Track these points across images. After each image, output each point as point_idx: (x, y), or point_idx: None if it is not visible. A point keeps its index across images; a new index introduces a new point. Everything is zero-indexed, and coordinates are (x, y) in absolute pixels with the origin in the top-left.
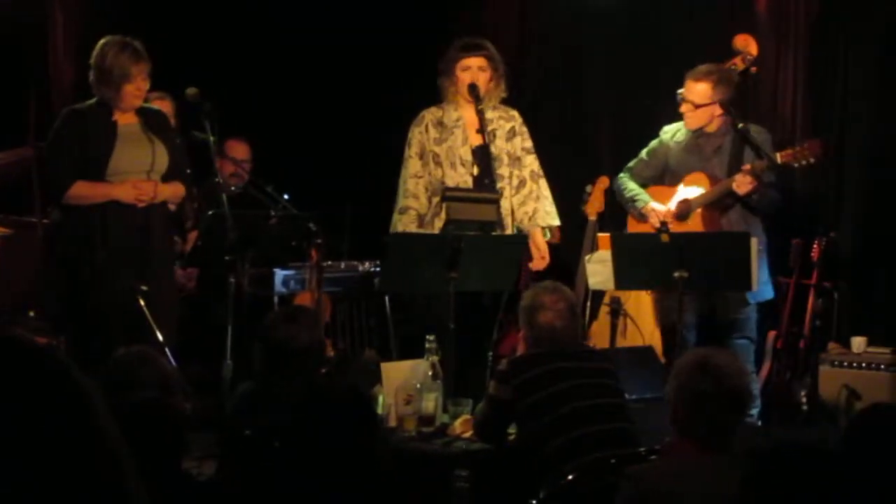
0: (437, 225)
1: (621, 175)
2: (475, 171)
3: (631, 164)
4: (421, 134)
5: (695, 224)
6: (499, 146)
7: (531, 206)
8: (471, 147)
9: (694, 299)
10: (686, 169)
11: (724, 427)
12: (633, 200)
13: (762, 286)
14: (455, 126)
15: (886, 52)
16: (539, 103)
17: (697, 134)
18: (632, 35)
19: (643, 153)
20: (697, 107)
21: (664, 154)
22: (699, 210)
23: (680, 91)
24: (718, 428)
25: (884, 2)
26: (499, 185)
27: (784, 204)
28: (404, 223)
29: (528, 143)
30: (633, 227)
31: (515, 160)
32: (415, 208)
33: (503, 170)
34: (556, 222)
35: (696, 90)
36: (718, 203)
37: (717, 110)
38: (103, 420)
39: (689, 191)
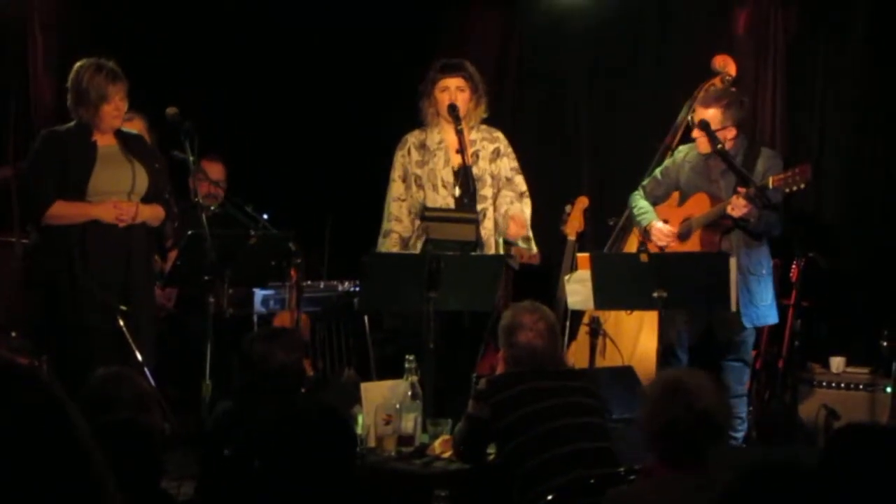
0: (420, 247)
1: (635, 192)
2: (457, 192)
3: (644, 181)
4: (403, 157)
5: (693, 244)
6: (482, 167)
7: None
8: (452, 168)
9: (691, 320)
10: (693, 189)
11: (698, 448)
12: (638, 217)
13: (766, 309)
14: (437, 148)
15: (865, 72)
16: (518, 124)
17: (707, 155)
18: (611, 57)
19: (657, 172)
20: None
21: (676, 173)
22: (699, 231)
23: (690, 116)
24: (693, 449)
25: (861, 20)
26: (480, 206)
27: (785, 226)
28: (387, 246)
29: (515, 164)
30: (631, 244)
31: (505, 181)
32: (397, 231)
33: (486, 191)
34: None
35: (707, 115)
36: (718, 225)
37: (730, 133)
38: (84, 438)
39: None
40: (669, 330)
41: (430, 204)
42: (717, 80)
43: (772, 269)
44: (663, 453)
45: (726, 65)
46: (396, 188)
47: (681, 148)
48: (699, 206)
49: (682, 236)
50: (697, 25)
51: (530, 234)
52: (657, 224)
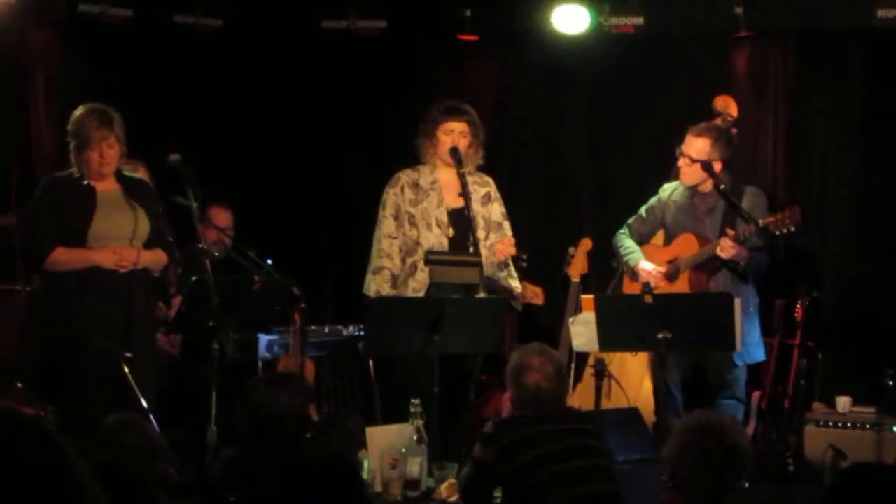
0: (412, 285)
1: (620, 231)
2: (450, 232)
3: (630, 220)
4: (396, 195)
5: (682, 285)
6: (474, 210)
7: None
8: (447, 209)
9: (682, 359)
10: (679, 228)
11: (725, 486)
12: (625, 258)
13: (754, 347)
14: (431, 188)
15: (866, 112)
16: (519, 165)
17: (692, 193)
18: (612, 98)
19: (642, 210)
20: (694, 162)
21: (661, 212)
22: (687, 271)
23: (680, 146)
24: (720, 487)
25: (860, 60)
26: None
27: (772, 265)
28: (378, 283)
29: (504, 210)
30: (627, 285)
31: (495, 225)
32: (389, 268)
33: (478, 233)
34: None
35: (696, 145)
36: (706, 265)
37: (716, 167)
38: (88, 487)
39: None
40: (667, 369)
41: (423, 243)
42: (718, 121)
43: (758, 307)
44: (686, 490)
45: (727, 105)
46: (388, 225)
47: (665, 186)
48: (686, 246)
49: (670, 277)
50: (698, 67)
51: (514, 272)
52: (645, 264)
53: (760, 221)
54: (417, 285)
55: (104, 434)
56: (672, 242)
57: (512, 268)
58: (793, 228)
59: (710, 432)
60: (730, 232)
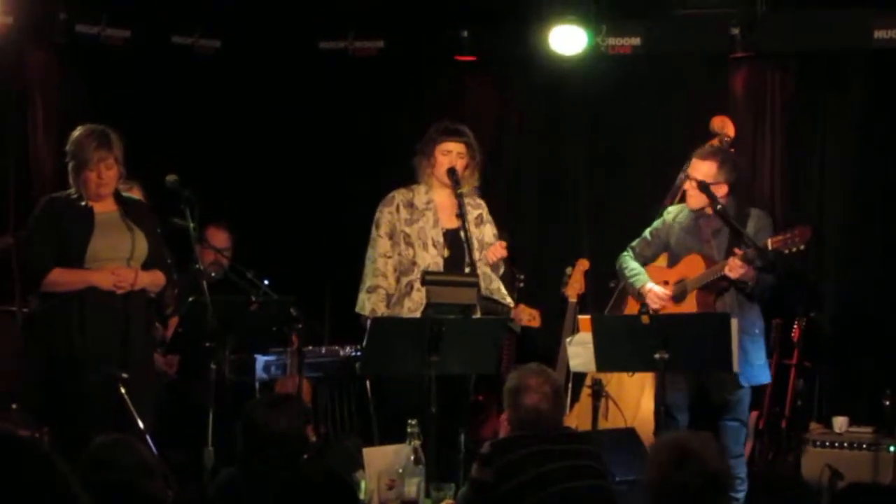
0: (407, 305)
1: (624, 254)
2: (446, 253)
3: (634, 243)
4: (391, 214)
5: (690, 306)
6: (470, 231)
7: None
8: (442, 229)
9: (684, 381)
10: (685, 250)
11: None
12: (631, 280)
13: (757, 369)
14: (426, 208)
15: (863, 132)
16: (517, 184)
17: (698, 215)
18: (610, 118)
19: (646, 233)
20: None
21: (666, 234)
22: (694, 292)
23: (685, 169)
24: None
25: (860, 82)
26: (467, 269)
27: (779, 286)
28: (373, 302)
29: (496, 231)
30: (632, 306)
31: (488, 246)
32: (384, 287)
33: (475, 254)
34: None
35: (702, 169)
36: (714, 286)
37: (721, 190)
38: None
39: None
40: (668, 391)
41: (419, 262)
42: (715, 141)
43: (763, 329)
44: None
45: (724, 126)
46: (383, 244)
47: (670, 209)
48: (693, 267)
49: (677, 298)
50: (695, 87)
51: (503, 290)
52: (651, 286)
53: (769, 242)
54: (413, 305)
55: (97, 454)
56: (678, 263)
57: (501, 284)
58: (802, 247)
59: (687, 464)
60: (737, 252)
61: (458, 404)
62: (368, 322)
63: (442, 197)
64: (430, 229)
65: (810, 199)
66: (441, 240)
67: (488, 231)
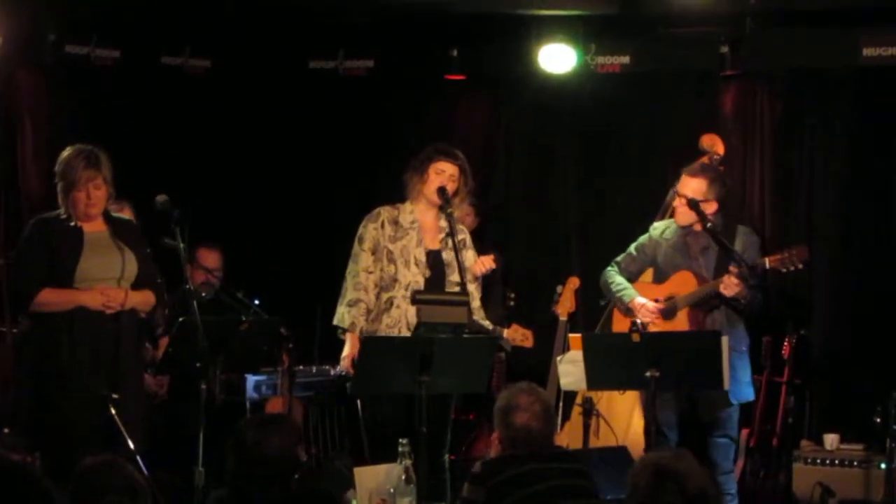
0: (385, 321)
1: (609, 268)
2: (427, 273)
3: (619, 258)
4: (376, 230)
5: (680, 323)
6: (450, 254)
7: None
8: (425, 249)
9: (674, 398)
10: (673, 267)
11: None
12: (618, 294)
13: (744, 386)
14: (410, 227)
15: (853, 150)
16: (508, 204)
17: (686, 232)
18: (599, 137)
19: (632, 248)
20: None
21: (653, 250)
22: (685, 309)
23: (675, 185)
24: None
25: (848, 100)
26: (448, 290)
27: (768, 304)
28: (353, 315)
29: (477, 257)
30: (619, 321)
31: (468, 271)
32: (365, 302)
33: (454, 276)
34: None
35: (692, 186)
36: (704, 303)
37: (710, 207)
38: None
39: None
40: (658, 409)
41: (401, 279)
42: (705, 159)
43: (749, 346)
44: None
45: (714, 144)
46: (365, 259)
47: (656, 225)
48: (683, 284)
49: (667, 314)
50: (684, 105)
51: (482, 311)
52: (641, 300)
53: (767, 261)
54: (391, 321)
55: (87, 476)
56: (667, 280)
57: (481, 308)
58: (801, 266)
59: (667, 487)
60: (733, 270)
61: (440, 424)
62: (359, 340)
63: (427, 218)
64: (413, 248)
65: (799, 215)
66: (423, 259)
67: (470, 256)
